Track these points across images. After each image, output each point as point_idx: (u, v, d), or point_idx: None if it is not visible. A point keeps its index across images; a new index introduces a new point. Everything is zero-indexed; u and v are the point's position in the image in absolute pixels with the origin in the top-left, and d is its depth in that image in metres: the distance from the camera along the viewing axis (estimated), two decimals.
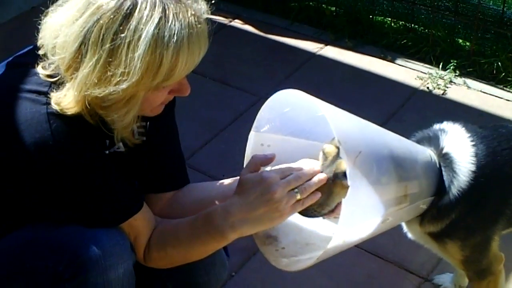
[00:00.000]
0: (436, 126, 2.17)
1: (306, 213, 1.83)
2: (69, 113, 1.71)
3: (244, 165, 2.01)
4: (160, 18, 1.63)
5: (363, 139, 1.86)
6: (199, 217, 1.84)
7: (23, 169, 1.75)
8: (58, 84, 1.73)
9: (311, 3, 4.38)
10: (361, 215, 1.83)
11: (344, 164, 1.77)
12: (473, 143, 2.06)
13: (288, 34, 4.20)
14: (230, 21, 4.34)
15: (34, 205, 1.85)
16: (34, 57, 1.78)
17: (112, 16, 1.63)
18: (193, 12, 1.68)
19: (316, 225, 1.99)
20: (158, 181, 2.06)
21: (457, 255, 2.18)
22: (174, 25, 1.64)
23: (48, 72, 1.75)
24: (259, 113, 2.00)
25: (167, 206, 2.05)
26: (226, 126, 3.53)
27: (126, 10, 1.63)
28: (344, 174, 1.79)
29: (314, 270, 2.72)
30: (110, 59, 1.63)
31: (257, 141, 2.04)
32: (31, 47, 1.84)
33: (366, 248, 2.82)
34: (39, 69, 1.76)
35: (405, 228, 2.25)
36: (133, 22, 1.63)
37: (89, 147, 1.76)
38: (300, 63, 3.94)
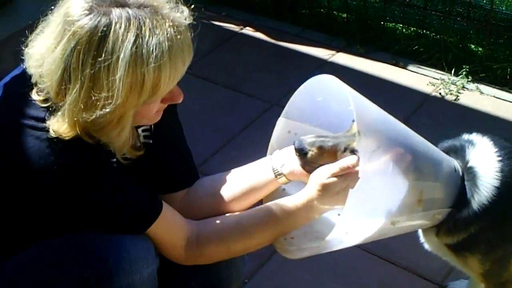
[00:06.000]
0: (465, 137, 2.14)
1: (308, 169, 1.92)
2: (66, 138, 1.71)
3: (269, 150, 2.08)
4: (136, 36, 1.62)
5: (386, 136, 1.85)
6: (275, 215, 1.93)
7: (35, 193, 1.77)
8: (51, 110, 1.72)
9: (322, 10, 4.38)
10: (369, 210, 1.83)
11: (357, 144, 1.80)
12: (499, 158, 2.03)
13: (300, 41, 4.20)
14: (241, 29, 4.35)
15: (52, 222, 1.86)
16: (30, 79, 1.76)
17: (88, 40, 1.61)
18: (171, 23, 1.66)
19: (329, 221, 2.00)
20: (170, 182, 2.06)
21: (477, 268, 2.16)
22: (152, 40, 1.63)
23: (42, 98, 1.74)
24: (290, 99, 2.02)
25: (183, 204, 2.05)
26: (238, 133, 3.52)
27: (101, 32, 1.61)
28: (352, 151, 1.84)
29: (327, 275, 2.73)
30: (93, 84, 1.62)
31: (284, 128, 2.07)
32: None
33: (379, 254, 2.81)
34: (33, 94, 1.75)
35: (422, 238, 2.23)
36: (109, 44, 1.61)
37: (94, 163, 1.76)
38: (312, 70, 3.93)
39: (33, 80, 1.75)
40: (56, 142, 1.71)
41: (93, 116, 1.65)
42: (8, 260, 1.90)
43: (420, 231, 2.22)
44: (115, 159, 1.89)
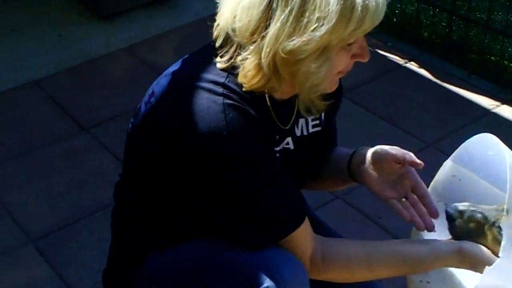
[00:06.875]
0: None
1: (455, 233, 1.92)
2: (254, 84, 1.72)
3: (430, 189, 2.05)
4: None
5: None
6: (403, 259, 1.90)
7: (195, 158, 1.75)
8: (233, 71, 1.75)
9: (492, 57, 4.24)
10: None
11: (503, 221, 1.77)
12: None
13: (464, 86, 4.07)
14: (406, 62, 4.28)
15: (200, 204, 1.83)
16: (210, 50, 1.81)
17: None
18: None
19: (469, 277, 1.95)
20: (313, 169, 2.13)
21: None
22: None
23: (226, 58, 1.76)
24: (463, 145, 2.02)
25: None
26: None
27: None
28: (499, 226, 1.81)
29: None
30: (304, 8, 1.64)
31: (450, 171, 2.06)
32: (207, 44, 1.88)
33: None
34: (217, 59, 1.78)
35: None
36: None
37: (262, 142, 1.77)
38: (473, 118, 3.82)
39: (218, 42, 1.77)
40: (232, 109, 1.73)
41: (301, 41, 1.65)
42: (156, 251, 1.93)
43: None
44: (278, 149, 1.90)
